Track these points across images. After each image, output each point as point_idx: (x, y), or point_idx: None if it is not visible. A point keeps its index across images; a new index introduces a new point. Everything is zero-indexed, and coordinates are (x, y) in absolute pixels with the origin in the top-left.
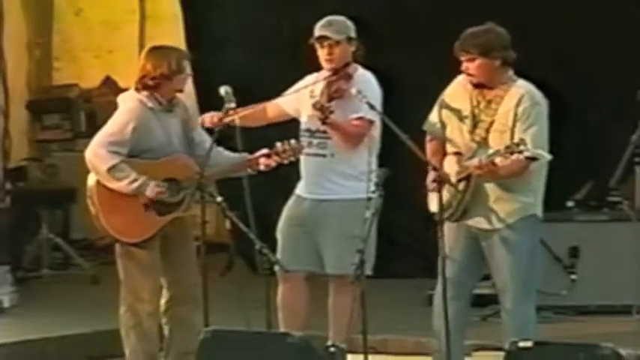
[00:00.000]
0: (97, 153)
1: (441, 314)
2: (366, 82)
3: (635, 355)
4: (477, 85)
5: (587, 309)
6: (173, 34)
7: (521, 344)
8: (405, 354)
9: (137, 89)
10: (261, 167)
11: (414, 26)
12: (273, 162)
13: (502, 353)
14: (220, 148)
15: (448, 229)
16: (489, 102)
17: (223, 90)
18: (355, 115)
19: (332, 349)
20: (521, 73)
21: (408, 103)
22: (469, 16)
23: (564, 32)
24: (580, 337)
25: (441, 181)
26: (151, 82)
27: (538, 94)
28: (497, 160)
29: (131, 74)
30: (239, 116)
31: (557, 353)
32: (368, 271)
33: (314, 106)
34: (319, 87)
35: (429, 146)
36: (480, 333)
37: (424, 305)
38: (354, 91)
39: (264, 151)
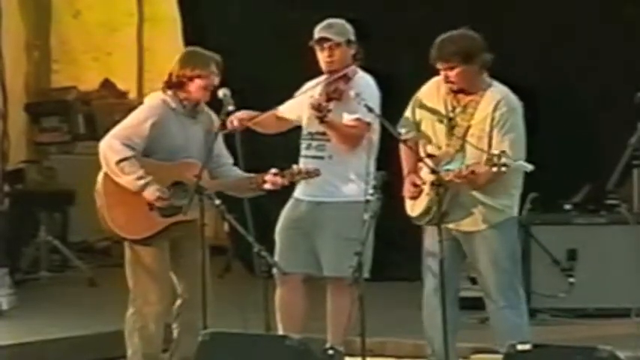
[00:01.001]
0: (111, 144)
1: (430, 318)
2: (364, 85)
3: (633, 357)
4: (458, 91)
5: (586, 312)
6: (171, 36)
7: (520, 347)
8: (402, 357)
9: (163, 90)
10: (267, 186)
11: (413, 29)
12: (286, 181)
13: (500, 356)
14: (235, 167)
15: (429, 231)
16: (465, 107)
17: (222, 93)
18: (352, 117)
19: (330, 351)
20: (518, 76)
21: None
22: (469, 18)
23: (564, 34)
24: (578, 340)
25: (440, 184)
26: (174, 80)
27: (514, 99)
28: (477, 169)
29: (130, 76)
30: (253, 122)
31: (556, 356)
32: (365, 274)
33: (312, 105)
34: (318, 89)
35: (404, 150)
36: (477, 336)
37: (422, 308)
38: (352, 93)
39: (274, 170)
